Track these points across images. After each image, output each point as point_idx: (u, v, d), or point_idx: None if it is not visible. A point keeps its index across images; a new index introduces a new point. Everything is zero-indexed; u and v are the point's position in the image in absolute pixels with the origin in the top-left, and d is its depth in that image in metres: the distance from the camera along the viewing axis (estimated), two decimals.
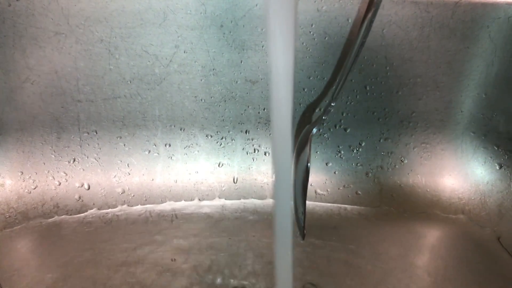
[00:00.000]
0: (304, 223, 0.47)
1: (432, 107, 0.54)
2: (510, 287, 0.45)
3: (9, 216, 0.50)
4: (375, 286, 0.44)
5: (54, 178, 0.53)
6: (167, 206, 0.53)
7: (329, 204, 0.55)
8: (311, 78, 0.51)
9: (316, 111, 0.53)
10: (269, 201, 0.54)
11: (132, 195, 0.54)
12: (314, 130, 0.48)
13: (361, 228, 0.52)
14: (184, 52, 0.49)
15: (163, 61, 0.49)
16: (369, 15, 0.41)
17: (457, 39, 0.49)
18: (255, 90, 0.52)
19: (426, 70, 0.51)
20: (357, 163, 0.56)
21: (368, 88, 0.52)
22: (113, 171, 0.54)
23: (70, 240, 0.48)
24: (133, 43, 0.48)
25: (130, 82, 0.50)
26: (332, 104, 0.47)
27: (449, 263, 0.47)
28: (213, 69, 0.50)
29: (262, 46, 0.49)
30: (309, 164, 0.47)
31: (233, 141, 0.55)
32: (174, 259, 0.46)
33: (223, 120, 0.54)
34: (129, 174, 0.54)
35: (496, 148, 0.54)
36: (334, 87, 0.46)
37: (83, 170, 0.53)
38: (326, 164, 0.56)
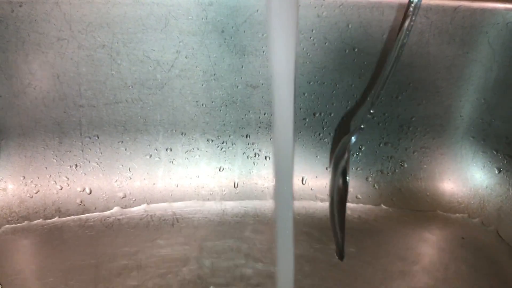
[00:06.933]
0: (343, 242, 0.46)
1: (431, 112, 0.54)
2: None
3: (11, 220, 0.51)
4: None
5: (56, 183, 0.53)
6: (168, 210, 0.53)
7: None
8: (311, 83, 0.52)
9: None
10: (270, 205, 0.54)
11: (134, 199, 0.54)
12: (353, 140, 0.48)
13: (361, 232, 0.52)
14: (186, 57, 0.49)
15: (164, 66, 0.50)
16: (406, 23, 0.41)
17: (456, 44, 0.50)
18: (256, 95, 0.52)
19: (425, 75, 0.51)
20: (357, 168, 0.57)
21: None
22: (114, 175, 0.54)
23: (72, 244, 0.48)
24: (134, 48, 0.48)
25: (132, 87, 0.50)
26: (370, 111, 0.46)
27: (449, 266, 0.47)
28: (214, 74, 0.51)
29: (263, 52, 0.49)
30: (348, 178, 0.46)
31: (234, 145, 0.55)
32: (175, 263, 0.46)
33: (224, 124, 0.54)
34: (131, 178, 0.54)
35: (495, 153, 0.54)
36: (372, 93, 0.45)
37: (85, 174, 0.54)
38: (326, 168, 0.56)
